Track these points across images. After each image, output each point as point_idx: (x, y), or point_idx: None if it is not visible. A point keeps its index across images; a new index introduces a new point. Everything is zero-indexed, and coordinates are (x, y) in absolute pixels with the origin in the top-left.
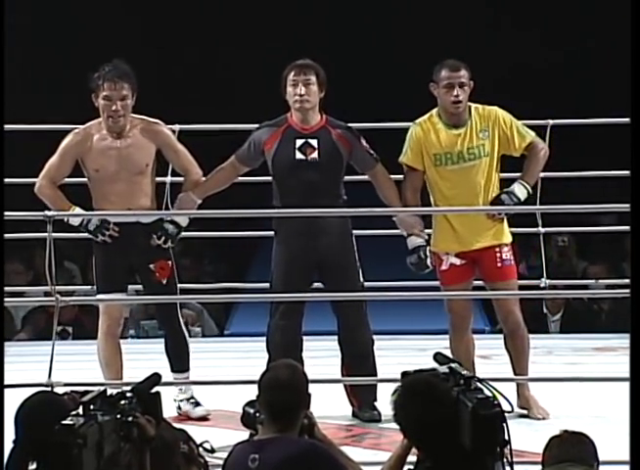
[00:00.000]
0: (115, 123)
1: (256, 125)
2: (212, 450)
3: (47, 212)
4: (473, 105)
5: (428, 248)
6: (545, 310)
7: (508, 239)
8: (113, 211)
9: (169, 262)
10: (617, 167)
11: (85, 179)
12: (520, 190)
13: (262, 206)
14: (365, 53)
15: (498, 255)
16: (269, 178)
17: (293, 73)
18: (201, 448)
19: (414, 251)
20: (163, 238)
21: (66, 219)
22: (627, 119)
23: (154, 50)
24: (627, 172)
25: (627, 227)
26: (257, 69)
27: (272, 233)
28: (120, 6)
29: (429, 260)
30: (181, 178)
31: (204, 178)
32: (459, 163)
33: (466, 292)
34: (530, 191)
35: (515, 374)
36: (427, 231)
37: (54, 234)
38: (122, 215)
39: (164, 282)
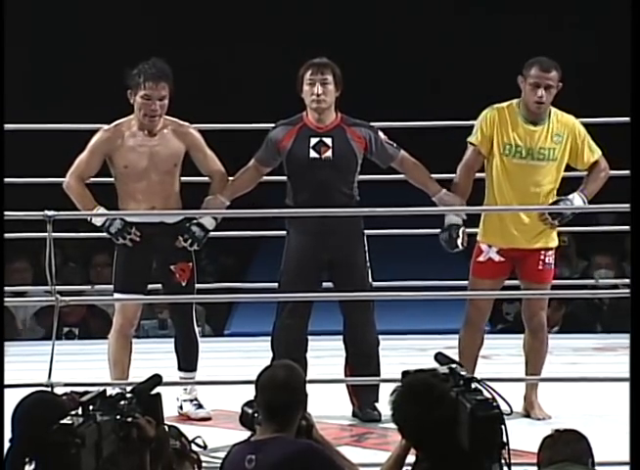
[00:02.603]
0: (151, 122)
1: (272, 125)
2: (205, 446)
3: (47, 212)
4: (553, 109)
5: (462, 228)
6: None
7: (555, 243)
8: (137, 209)
9: (190, 265)
10: (616, 167)
11: (111, 179)
12: (578, 202)
13: (269, 205)
14: (372, 51)
15: (542, 257)
16: (274, 178)
17: (309, 73)
18: (193, 445)
19: (447, 228)
20: (190, 240)
21: (89, 219)
22: (627, 119)
23: (155, 50)
24: (627, 172)
25: (627, 227)
26: (268, 67)
27: (275, 232)
28: (122, 5)
29: (459, 241)
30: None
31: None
32: (526, 158)
33: (468, 291)
34: (587, 205)
35: (527, 375)
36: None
37: (54, 234)
38: (145, 215)
39: (184, 284)
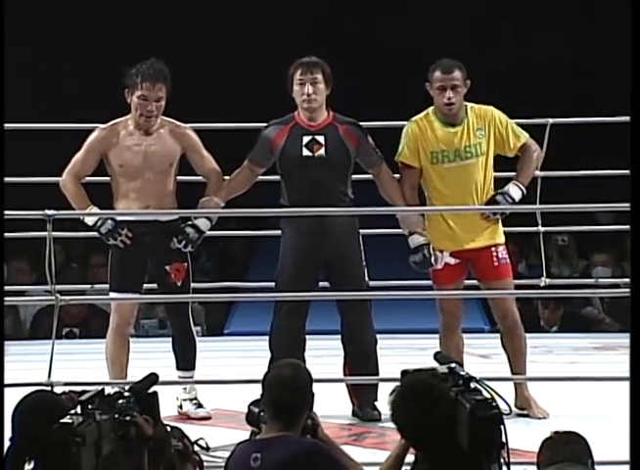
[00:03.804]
0: (147, 122)
1: (264, 124)
2: (207, 448)
3: (47, 212)
4: (469, 104)
5: (431, 246)
6: (542, 324)
7: (502, 239)
8: (132, 208)
9: (185, 265)
10: (616, 167)
11: (107, 178)
12: (514, 191)
13: (265, 205)
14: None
15: (494, 254)
16: (270, 177)
17: (299, 72)
18: (196, 446)
19: (417, 249)
20: (184, 242)
21: (81, 219)
22: (627, 118)
23: (154, 50)
24: (627, 172)
25: (627, 226)
26: (266, 67)
27: (273, 232)
28: (122, 6)
29: (433, 259)
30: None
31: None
32: (456, 160)
33: (467, 291)
34: (525, 192)
35: (512, 373)
36: None
37: (54, 233)
38: (138, 214)
39: (179, 284)
